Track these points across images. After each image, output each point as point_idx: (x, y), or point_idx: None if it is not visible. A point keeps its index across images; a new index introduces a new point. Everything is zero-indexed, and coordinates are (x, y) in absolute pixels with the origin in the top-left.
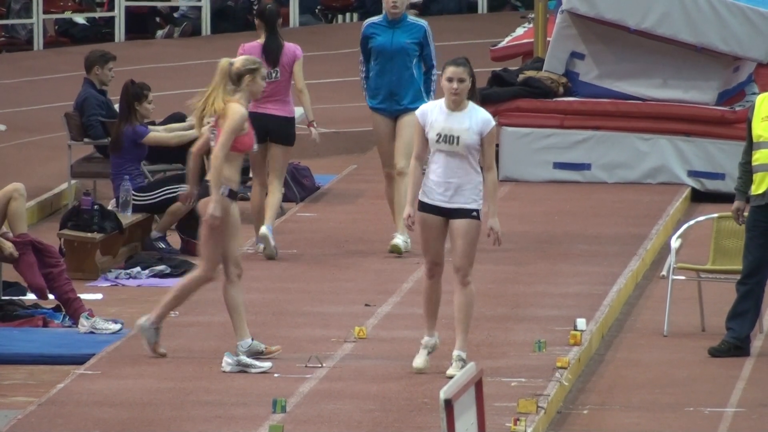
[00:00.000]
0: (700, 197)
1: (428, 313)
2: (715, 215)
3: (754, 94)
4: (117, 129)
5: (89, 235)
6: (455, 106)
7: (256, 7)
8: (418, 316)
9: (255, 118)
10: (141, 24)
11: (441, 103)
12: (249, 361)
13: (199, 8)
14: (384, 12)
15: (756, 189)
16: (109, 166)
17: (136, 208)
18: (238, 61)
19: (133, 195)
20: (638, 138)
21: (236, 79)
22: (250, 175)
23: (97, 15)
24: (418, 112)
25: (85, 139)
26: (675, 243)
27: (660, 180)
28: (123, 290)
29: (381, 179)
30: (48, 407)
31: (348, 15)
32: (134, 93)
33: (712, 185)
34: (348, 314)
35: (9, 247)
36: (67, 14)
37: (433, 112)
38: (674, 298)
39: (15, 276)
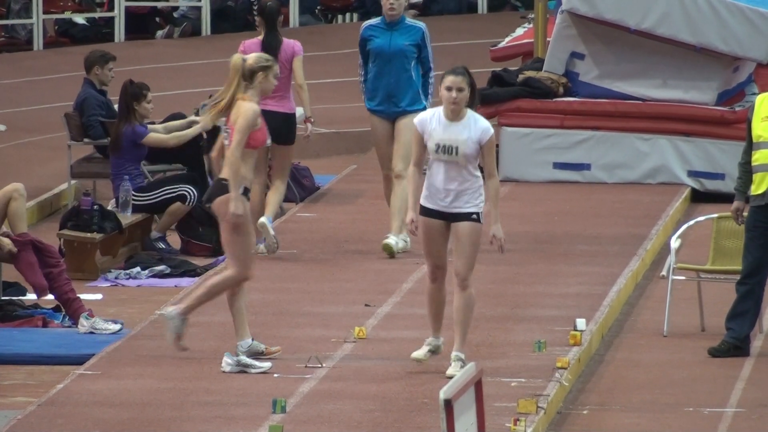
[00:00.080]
0: (699, 197)
1: (432, 316)
2: (715, 215)
3: (754, 94)
4: (116, 129)
5: (89, 235)
6: (454, 115)
7: (256, 7)
8: (418, 316)
9: None
10: (141, 24)
11: (440, 112)
12: (249, 361)
13: (199, 8)
14: (382, 14)
15: (756, 189)
16: (108, 167)
17: (136, 209)
18: (251, 57)
19: (133, 195)
20: (638, 138)
21: (249, 75)
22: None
23: (97, 15)
24: (416, 120)
25: (85, 140)
26: (675, 243)
27: (660, 180)
28: (123, 290)
29: (381, 179)
30: (48, 407)
31: (348, 15)
32: (133, 93)
33: (711, 185)
34: (348, 314)
35: (8, 243)
36: (67, 14)
37: (431, 122)
38: (674, 298)
39: (15, 276)
